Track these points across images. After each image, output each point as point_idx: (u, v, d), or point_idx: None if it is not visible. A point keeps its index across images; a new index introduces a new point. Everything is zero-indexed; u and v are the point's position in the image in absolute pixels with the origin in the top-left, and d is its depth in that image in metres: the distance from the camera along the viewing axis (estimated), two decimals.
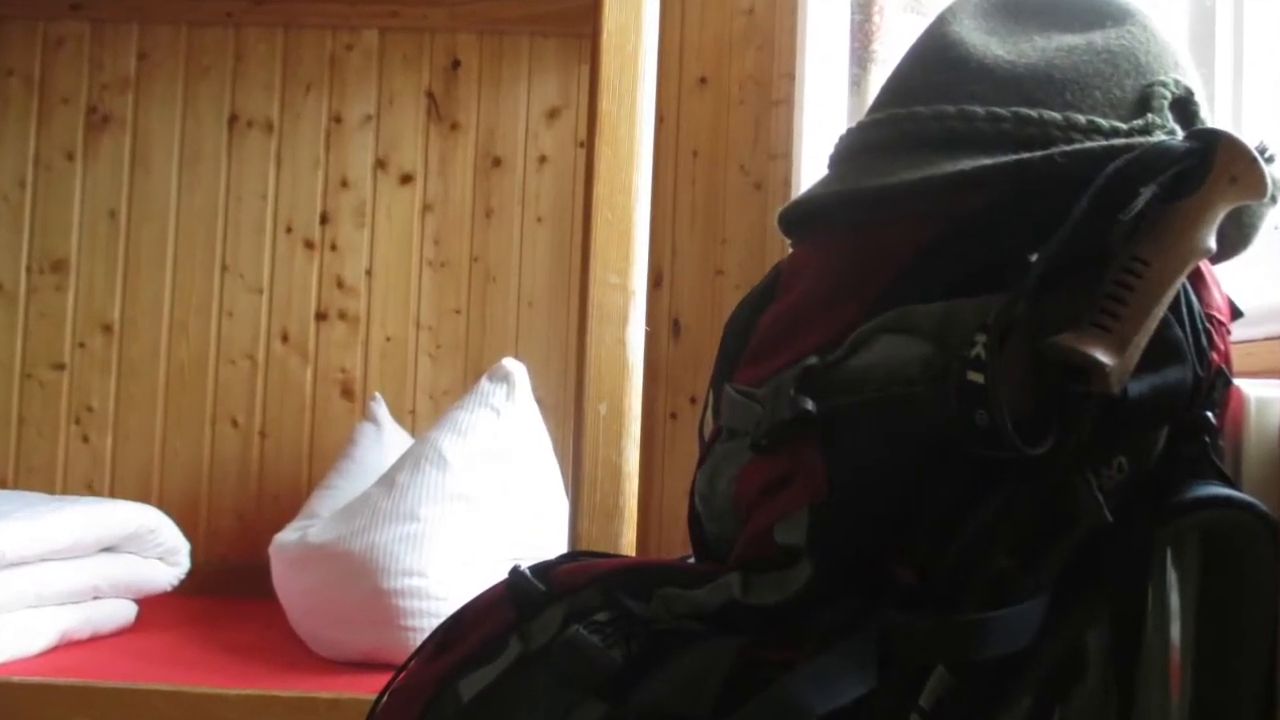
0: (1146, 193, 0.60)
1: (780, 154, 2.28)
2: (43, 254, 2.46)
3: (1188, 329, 0.63)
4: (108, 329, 2.45)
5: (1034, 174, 0.63)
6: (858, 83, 1.63)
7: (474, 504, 1.85)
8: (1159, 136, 0.65)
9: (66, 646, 1.84)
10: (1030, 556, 0.60)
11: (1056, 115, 0.66)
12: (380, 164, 2.47)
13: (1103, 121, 0.66)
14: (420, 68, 2.48)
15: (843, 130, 0.78)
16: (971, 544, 0.61)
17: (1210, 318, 0.65)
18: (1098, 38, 0.70)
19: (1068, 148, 0.64)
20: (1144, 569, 0.62)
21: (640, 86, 1.41)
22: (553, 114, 2.46)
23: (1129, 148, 0.63)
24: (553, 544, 1.74)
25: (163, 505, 2.14)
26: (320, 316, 2.45)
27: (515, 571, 0.75)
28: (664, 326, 2.30)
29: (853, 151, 0.75)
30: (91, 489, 2.41)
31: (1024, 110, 0.66)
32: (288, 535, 1.95)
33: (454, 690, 0.71)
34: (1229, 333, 0.66)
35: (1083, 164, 0.62)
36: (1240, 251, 0.72)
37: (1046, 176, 0.63)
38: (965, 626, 0.59)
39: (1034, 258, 0.60)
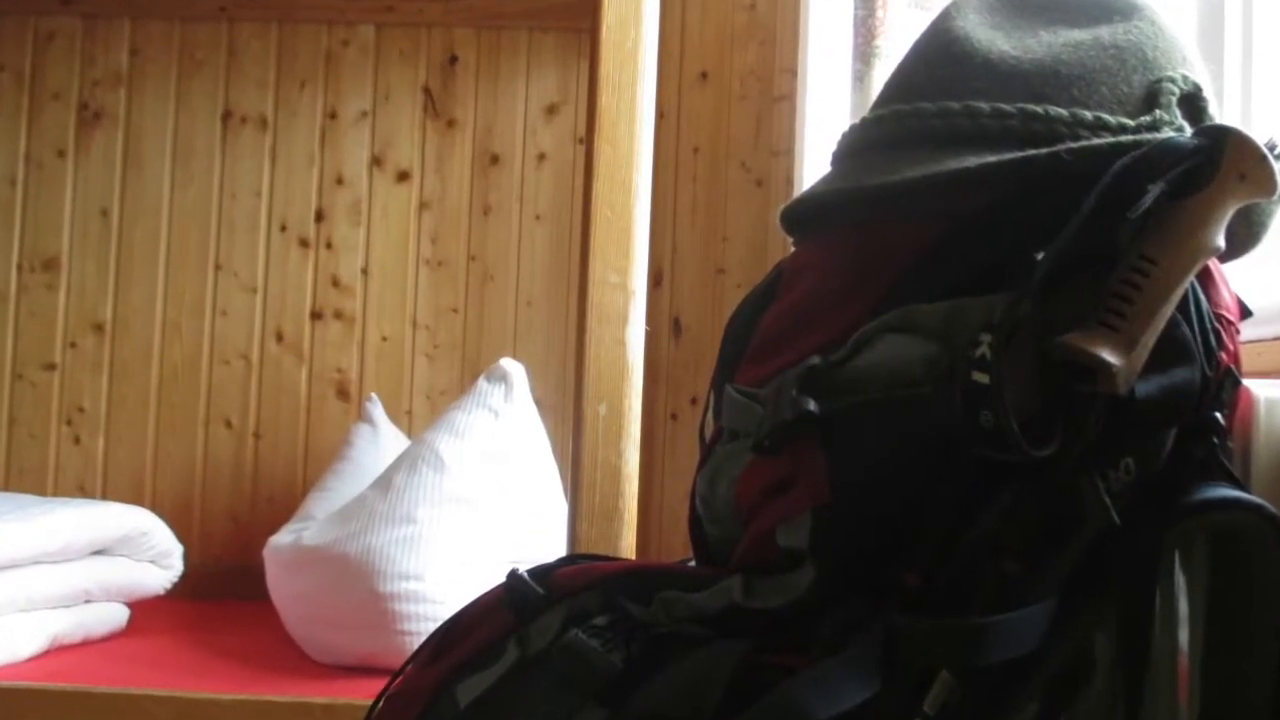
0: (1154, 190, 0.60)
1: (782, 151, 2.28)
2: (34, 252, 2.46)
3: (1196, 329, 0.63)
4: (99, 328, 2.45)
5: (1040, 171, 0.64)
6: (861, 78, 1.63)
7: (472, 506, 1.85)
8: (1167, 133, 0.65)
9: (57, 651, 1.84)
10: (1036, 559, 0.60)
11: (1063, 112, 0.66)
12: (376, 161, 2.47)
13: (1109, 118, 0.66)
14: (417, 63, 2.48)
15: (846, 127, 0.78)
16: (976, 547, 0.61)
17: (1219, 317, 0.65)
18: (1104, 33, 0.70)
19: (1074, 145, 0.64)
20: (1152, 572, 0.62)
21: (640, 82, 1.41)
22: (551, 110, 2.47)
23: (1136, 145, 0.63)
24: (551, 547, 1.74)
25: (155, 507, 2.14)
26: (315, 316, 2.45)
27: (513, 574, 0.75)
28: (664, 326, 2.30)
29: (856, 148, 0.75)
30: (83, 491, 2.41)
31: (1030, 106, 0.66)
32: (282, 538, 1.95)
33: (451, 695, 0.71)
34: (1238, 332, 0.66)
35: (1089, 161, 0.62)
36: (1249, 250, 0.72)
37: (1052, 174, 0.63)
38: (970, 630, 0.59)
39: (1040, 256, 0.60)
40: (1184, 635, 0.65)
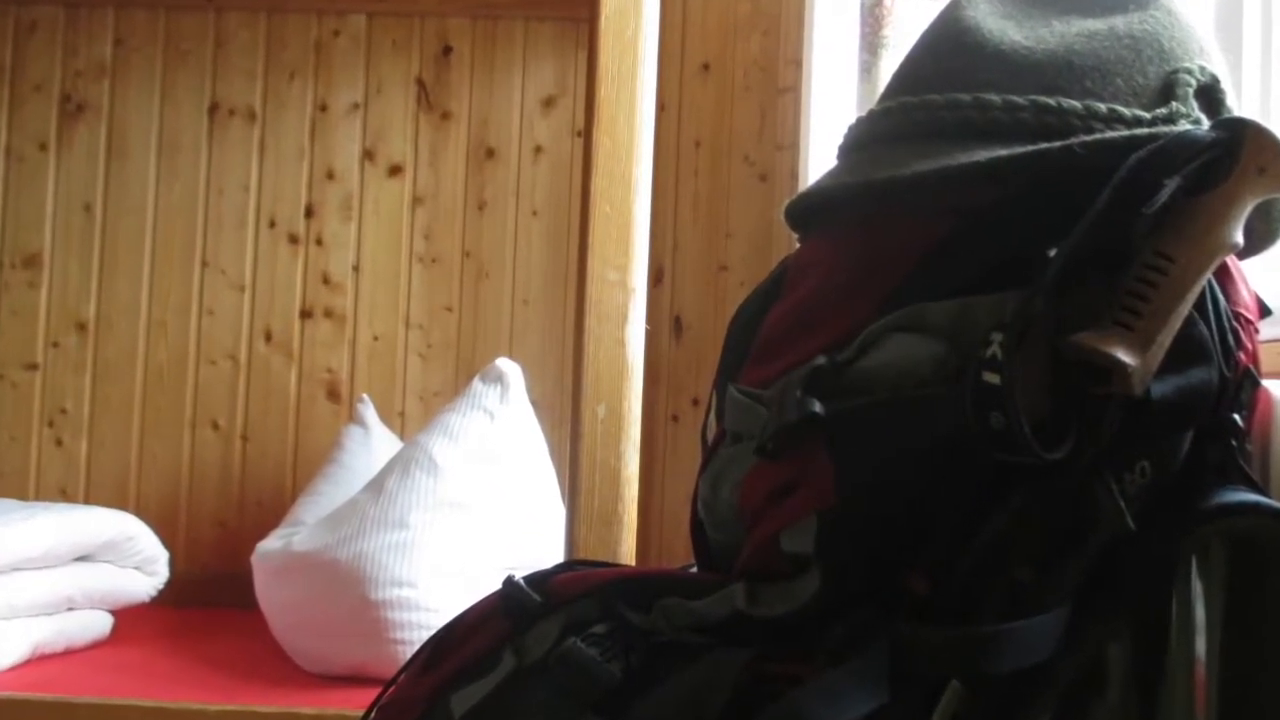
0: (1170, 185, 0.60)
1: (787, 144, 2.28)
2: (14, 248, 2.46)
3: (1213, 327, 0.63)
4: (82, 327, 2.45)
5: (1052, 165, 0.64)
6: (868, 69, 1.63)
7: (466, 511, 1.85)
8: (1183, 126, 0.65)
9: (39, 660, 1.84)
10: (1048, 566, 0.60)
11: (1076, 104, 0.66)
12: (368, 155, 2.47)
13: (1124, 110, 0.66)
14: (410, 54, 2.48)
15: (852, 119, 0.78)
16: (987, 553, 0.61)
17: (1237, 315, 0.65)
18: (1119, 22, 0.70)
19: (1088, 138, 0.64)
20: (1167, 579, 0.62)
21: (640, 73, 1.41)
22: (549, 102, 2.47)
23: (1152, 138, 0.63)
24: (548, 553, 1.74)
25: (140, 512, 2.14)
26: (305, 314, 2.45)
27: (509, 581, 0.75)
28: (665, 325, 2.30)
29: (863, 142, 0.75)
30: (65, 495, 2.41)
31: (1042, 99, 0.67)
32: (271, 544, 1.95)
33: (445, 706, 0.71)
34: (1257, 331, 0.67)
35: (1103, 155, 0.62)
36: (1269, 246, 0.72)
37: (1065, 168, 0.63)
38: (981, 639, 0.59)
39: (1052, 253, 0.61)
40: (1201, 644, 0.65)
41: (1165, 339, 0.60)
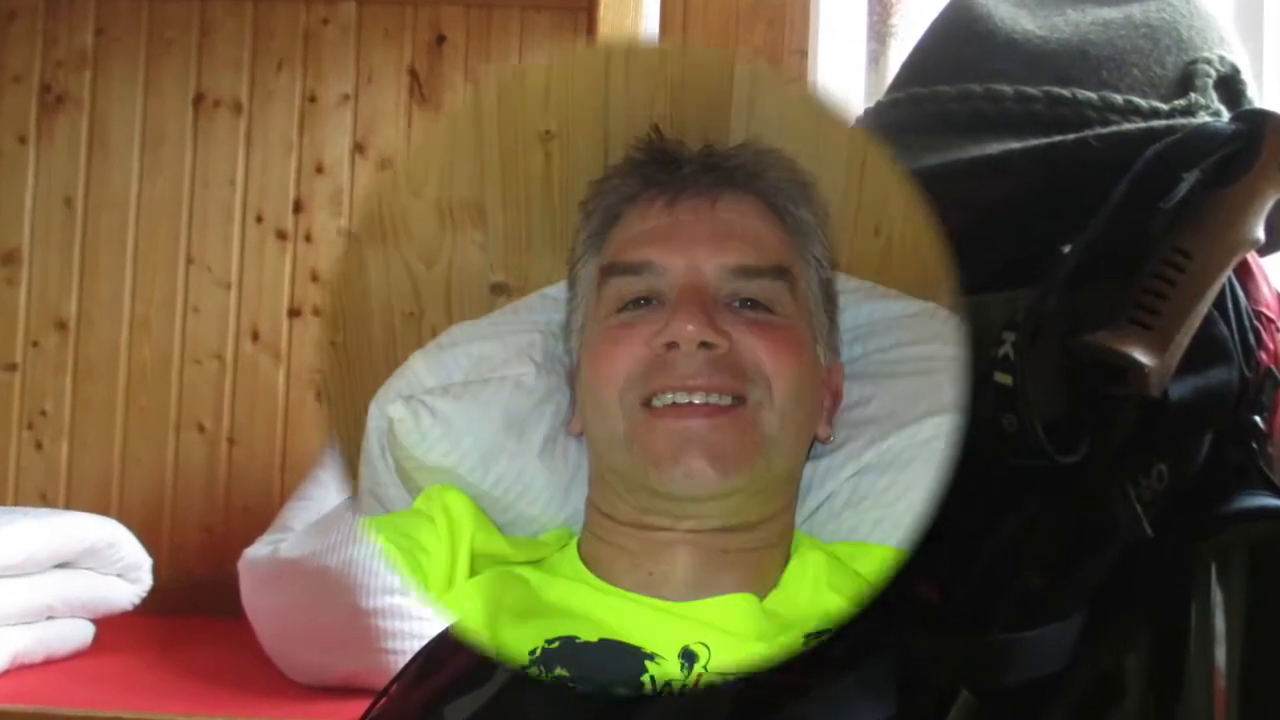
0: (1189, 179, 0.60)
1: None
2: None
3: (1234, 326, 0.63)
4: (63, 326, 2.45)
5: (1067, 159, 0.64)
6: (876, 60, 1.64)
7: None
8: (1202, 118, 0.65)
9: (17, 670, 1.84)
10: (1063, 573, 0.61)
11: (1091, 95, 0.66)
12: (359, 148, 2.47)
13: (1141, 101, 0.66)
14: (402, 43, 2.48)
15: (860, 111, 0.78)
16: (999, 559, 0.61)
17: (1258, 314, 0.65)
18: (1136, 11, 0.70)
19: (1103, 130, 0.64)
20: (1186, 587, 0.62)
21: None
22: None
23: (1170, 130, 0.63)
24: None
25: (122, 517, 2.14)
26: (294, 313, 2.45)
27: None
28: None
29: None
30: (45, 500, 2.41)
31: (1056, 89, 0.67)
32: (258, 550, 1.95)
33: (439, 718, 0.71)
34: (1279, 330, 0.67)
35: (1120, 148, 0.62)
36: None
37: (1080, 161, 0.63)
38: (992, 648, 0.59)
39: (1067, 249, 0.61)
40: (1221, 653, 0.65)
41: (1184, 338, 0.60)
